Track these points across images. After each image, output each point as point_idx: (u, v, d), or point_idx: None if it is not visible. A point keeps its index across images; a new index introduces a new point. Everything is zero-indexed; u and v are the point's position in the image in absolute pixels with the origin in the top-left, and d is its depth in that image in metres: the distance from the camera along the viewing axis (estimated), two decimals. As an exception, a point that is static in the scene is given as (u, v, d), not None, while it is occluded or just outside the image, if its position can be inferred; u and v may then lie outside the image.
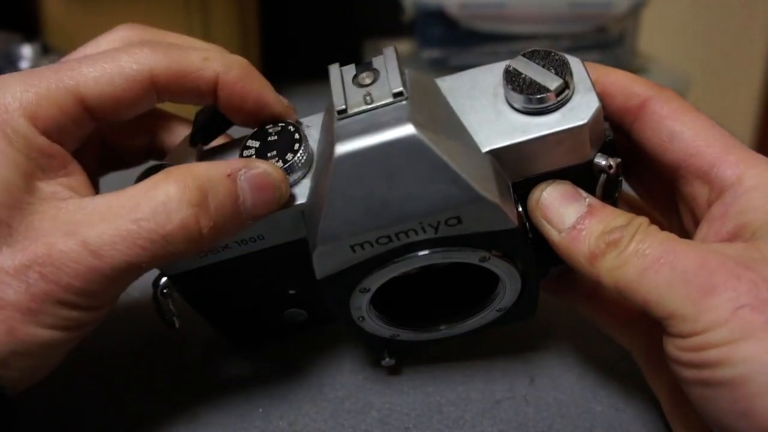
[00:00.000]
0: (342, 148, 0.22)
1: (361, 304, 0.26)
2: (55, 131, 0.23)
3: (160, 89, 0.25)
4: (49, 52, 0.49)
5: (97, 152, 0.30)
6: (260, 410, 0.29)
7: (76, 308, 0.22)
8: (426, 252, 0.24)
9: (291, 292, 0.29)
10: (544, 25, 0.62)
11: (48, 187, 0.23)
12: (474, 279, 0.28)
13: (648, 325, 0.27)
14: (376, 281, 0.25)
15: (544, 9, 0.61)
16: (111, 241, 0.21)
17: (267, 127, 0.26)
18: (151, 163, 0.27)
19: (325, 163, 0.23)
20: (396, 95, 0.23)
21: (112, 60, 0.24)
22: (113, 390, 0.31)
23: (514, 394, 0.29)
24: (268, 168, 0.24)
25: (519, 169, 0.25)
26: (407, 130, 0.22)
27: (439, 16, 0.62)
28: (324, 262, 0.24)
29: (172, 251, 0.22)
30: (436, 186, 0.22)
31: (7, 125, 0.22)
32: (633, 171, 0.29)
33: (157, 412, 0.29)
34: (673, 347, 0.22)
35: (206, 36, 0.58)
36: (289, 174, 0.25)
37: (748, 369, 0.20)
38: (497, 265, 0.25)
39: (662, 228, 0.23)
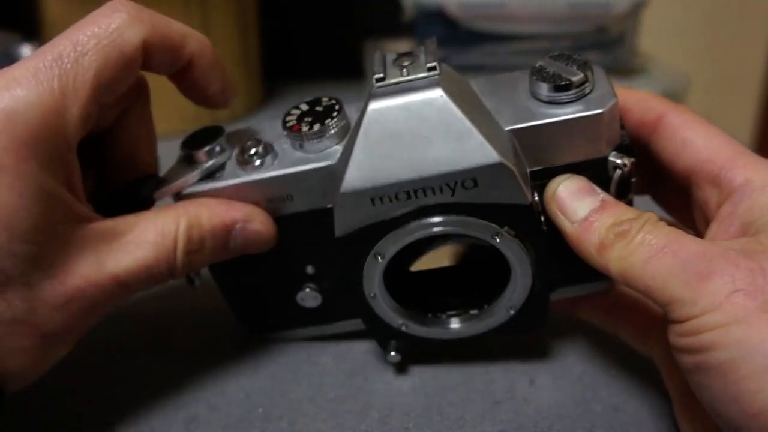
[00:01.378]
0: (374, 105, 0.25)
1: (374, 274, 0.27)
2: (77, 137, 0.25)
3: (146, 55, 0.26)
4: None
5: None
6: (260, 410, 0.29)
7: (96, 317, 0.26)
8: (440, 218, 0.26)
9: (309, 270, 0.30)
10: (544, 25, 0.62)
11: (73, 206, 0.24)
12: (485, 274, 0.29)
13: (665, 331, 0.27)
14: (390, 245, 0.26)
15: (544, 9, 0.61)
16: (135, 275, 0.25)
17: (310, 100, 0.29)
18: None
19: (357, 121, 0.26)
20: (430, 69, 0.25)
21: (111, 41, 0.25)
22: (113, 389, 0.31)
23: (514, 394, 0.29)
24: (261, 229, 0.28)
25: (537, 156, 0.26)
26: (436, 93, 0.24)
27: (439, 16, 0.62)
28: (345, 215, 0.26)
29: (165, 280, 0.27)
30: (458, 146, 0.24)
31: (45, 142, 0.23)
32: (649, 182, 0.30)
33: (157, 413, 0.29)
34: (673, 334, 0.22)
35: (206, 36, 0.58)
36: (322, 136, 0.27)
37: (738, 352, 0.20)
38: (509, 247, 0.26)
39: None
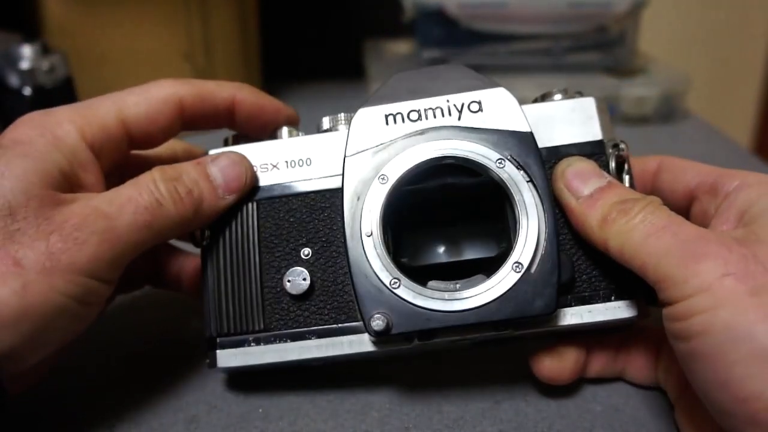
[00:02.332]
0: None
1: (376, 199, 0.27)
2: (97, 147, 0.28)
3: (185, 112, 0.30)
4: (49, 52, 0.49)
5: None
6: (260, 410, 0.29)
7: (89, 276, 0.25)
8: (447, 140, 0.27)
9: (304, 253, 0.29)
10: (544, 25, 0.62)
11: (79, 194, 0.26)
12: (491, 228, 0.29)
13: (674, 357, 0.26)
14: (395, 168, 0.27)
15: (544, 9, 0.61)
16: (119, 205, 0.26)
17: None
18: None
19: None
20: None
21: (148, 89, 0.30)
22: (112, 390, 0.31)
23: (514, 394, 0.29)
24: (231, 155, 0.30)
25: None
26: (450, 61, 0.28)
27: (439, 16, 0.62)
28: (358, 134, 0.28)
29: (166, 216, 0.27)
30: (468, 81, 0.28)
31: (57, 131, 0.27)
32: None
33: (157, 413, 0.29)
34: (667, 320, 0.23)
35: (206, 36, 0.58)
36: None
37: (726, 338, 0.20)
38: (512, 176, 0.27)
39: None
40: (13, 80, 0.48)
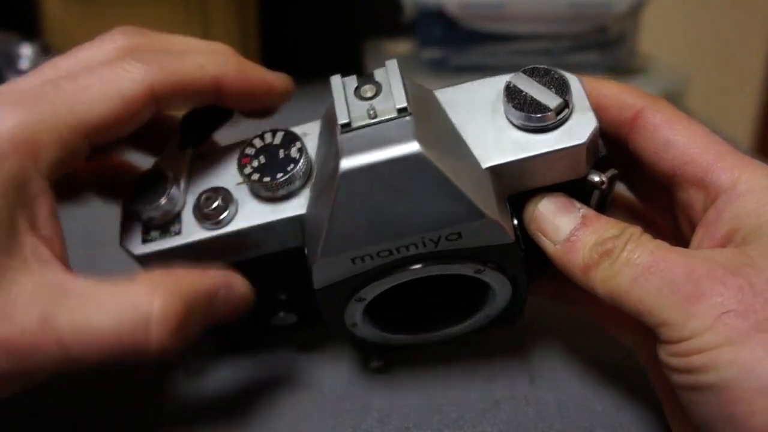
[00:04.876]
0: (347, 163, 0.22)
1: (355, 311, 0.27)
2: (55, 168, 0.22)
3: (160, 102, 0.24)
4: (49, 52, 0.49)
5: None
6: (260, 410, 0.29)
7: (24, 382, 0.22)
8: (423, 265, 0.25)
9: (282, 297, 0.29)
10: (544, 25, 0.62)
11: (29, 241, 0.21)
12: (466, 288, 0.28)
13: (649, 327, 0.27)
14: (372, 291, 0.26)
15: (544, 9, 0.61)
16: (86, 346, 0.21)
17: (266, 133, 0.26)
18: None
19: (329, 176, 0.23)
20: (400, 111, 0.23)
21: (111, 82, 0.23)
22: (111, 392, 0.31)
23: (514, 394, 0.29)
24: (246, 292, 0.25)
25: (516, 184, 0.25)
26: (412, 147, 0.22)
27: (439, 16, 0.62)
28: (323, 273, 0.25)
29: (134, 360, 0.22)
30: (440, 202, 0.23)
31: None
32: (631, 180, 0.29)
33: (157, 414, 0.29)
34: (664, 353, 0.22)
35: (206, 36, 0.58)
36: (288, 185, 0.25)
37: (731, 373, 0.20)
38: (490, 276, 0.26)
39: (662, 232, 0.23)
40: (13, 80, 0.48)
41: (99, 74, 0.23)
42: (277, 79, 0.27)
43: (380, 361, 0.30)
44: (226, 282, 0.25)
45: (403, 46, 0.72)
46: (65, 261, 0.23)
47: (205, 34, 0.58)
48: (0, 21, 0.54)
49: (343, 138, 0.23)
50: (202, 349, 0.33)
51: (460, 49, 0.63)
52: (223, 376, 0.31)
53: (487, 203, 0.23)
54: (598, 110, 0.25)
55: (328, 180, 0.23)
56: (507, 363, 0.31)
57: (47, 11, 0.56)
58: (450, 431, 0.28)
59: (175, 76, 0.24)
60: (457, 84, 0.26)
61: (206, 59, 0.25)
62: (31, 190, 0.21)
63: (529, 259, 0.26)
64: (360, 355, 0.31)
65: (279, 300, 0.30)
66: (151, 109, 0.24)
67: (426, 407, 0.29)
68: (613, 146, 0.26)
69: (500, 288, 0.27)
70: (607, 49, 0.64)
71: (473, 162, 0.24)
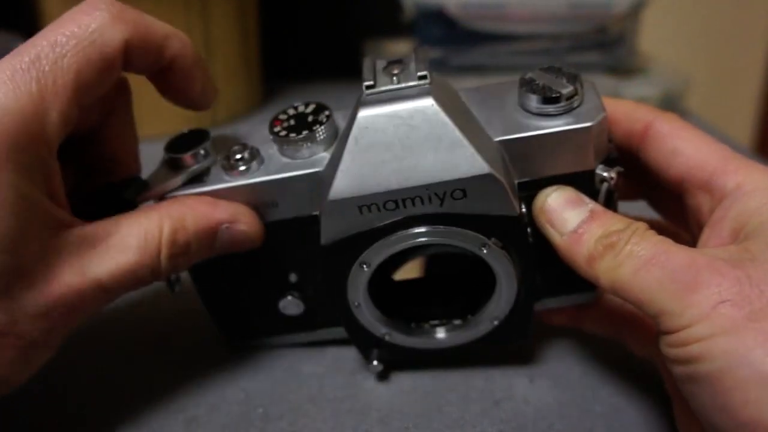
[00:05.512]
0: (363, 113, 0.24)
1: (359, 283, 0.27)
2: (58, 138, 0.24)
3: (127, 56, 0.25)
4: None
5: None
6: (260, 410, 0.29)
7: (77, 325, 0.25)
8: (428, 228, 0.25)
9: (292, 278, 0.30)
10: (544, 25, 0.62)
11: (54, 212, 0.24)
12: (470, 284, 0.29)
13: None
14: (377, 255, 0.26)
15: (544, 9, 0.61)
16: (118, 279, 0.25)
17: (299, 105, 0.28)
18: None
19: (346, 129, 0.25)
20: (421, 78, 0.25)
21: (93, 38, 0.24)
22: (112, 391, 0.31)
23: (514, 394, 0.29)
24: (247, 229, 0.27)
25: (524, 168, 0.26)
26: (427, 102, 0.24)
27: (439, 16, 0.62)
28: (331, 223, 0.26)
29: (148, 282, 0.26)
30: (448, 156, 0.24)
31: (26, 146, 0.22)
32: (648, 190, 0.31)
33: (157, 413, 0.29)
34: (663, 344, 0.22)
35: (206, 36, 0.58)
36: (311, 143, 0.27)
37: (725, 363, 0.20)
38: (495, 258, 0.26)
39: (677, 239, 0.24)
40: (13, 80, 0.48)
41: (77, 37, 0.24)
42: (213, 91, 0.29)
43: (380, 363, 0.30)
44: (234, 217, 0.27)
45: (403, 46, 0.72)
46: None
47: (205, 34, 0.58)
48: (0, 20, 0.54)
49: (365, 95, 0.25)
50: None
51: (460, 49, 0.63)
52: (223, 376, 0.31)
53: (495, 166, 0.24)
54: (611, 123, 0.27)
55: (344, 133, 0.26)
56: (507, 363, 0.31)
57: (47, 11, 0.56)
58: (450, 431, 0.28)
59: (146, 31, 0.25)
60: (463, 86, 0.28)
61: (173, 35, 0.27)
62: (44, 163, 0.23)
63: (536, 256, 0.26)
64: (360, 355, 0.31)
65: (288, 282, 0.30)
66: (121, 65, 0.25)
67: (426, 407, 0.29)
68: (627, 162, 0.27)
69: (506, 280, 0.27)
70: (607, 49, 0.64)
71: (484, 133, 0.26)
